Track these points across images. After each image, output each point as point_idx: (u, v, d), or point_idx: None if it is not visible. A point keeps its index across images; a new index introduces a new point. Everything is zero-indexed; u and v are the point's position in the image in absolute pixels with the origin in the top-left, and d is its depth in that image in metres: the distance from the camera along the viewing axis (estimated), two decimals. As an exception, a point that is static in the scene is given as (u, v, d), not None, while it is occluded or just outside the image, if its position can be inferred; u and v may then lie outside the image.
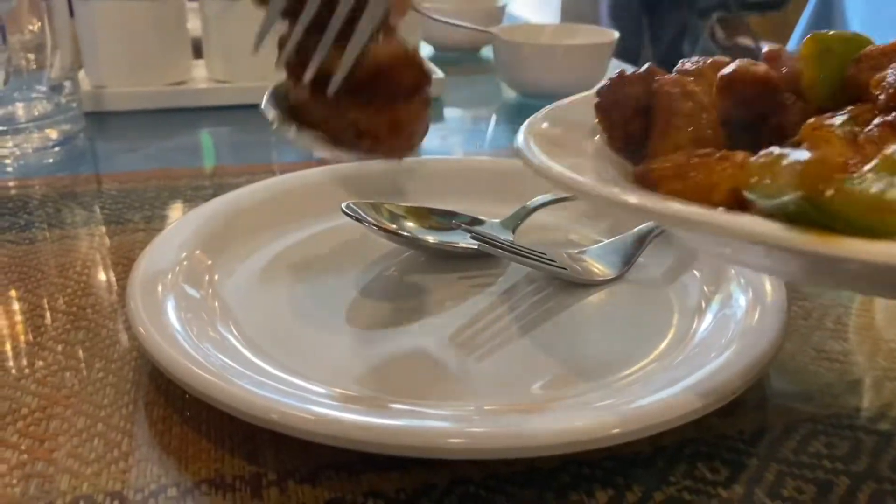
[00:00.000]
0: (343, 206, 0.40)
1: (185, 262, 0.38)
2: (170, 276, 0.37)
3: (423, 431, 0.27)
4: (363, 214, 0.40)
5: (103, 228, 0.49)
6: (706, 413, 0.28)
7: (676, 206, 0.23)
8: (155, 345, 0.31)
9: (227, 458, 0.29)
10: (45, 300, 0.40)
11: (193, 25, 0.78)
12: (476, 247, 0.38)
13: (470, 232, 0.37)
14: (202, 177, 0.58)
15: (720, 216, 0.21)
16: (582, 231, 0.46)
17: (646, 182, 0.27)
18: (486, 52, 1.05)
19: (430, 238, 0.41)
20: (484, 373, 0.33)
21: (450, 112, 0.78)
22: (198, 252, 0.39)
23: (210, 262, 0.39)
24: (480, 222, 0.44)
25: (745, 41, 2.52)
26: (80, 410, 0.32)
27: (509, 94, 0.84)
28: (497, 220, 0.44)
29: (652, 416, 0.27)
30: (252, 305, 0.37)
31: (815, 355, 0.36)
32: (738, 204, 0.23)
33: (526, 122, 0.33)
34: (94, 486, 0.28)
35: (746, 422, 0.32)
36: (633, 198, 0.24)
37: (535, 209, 0.45)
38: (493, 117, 0.79)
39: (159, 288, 0.35)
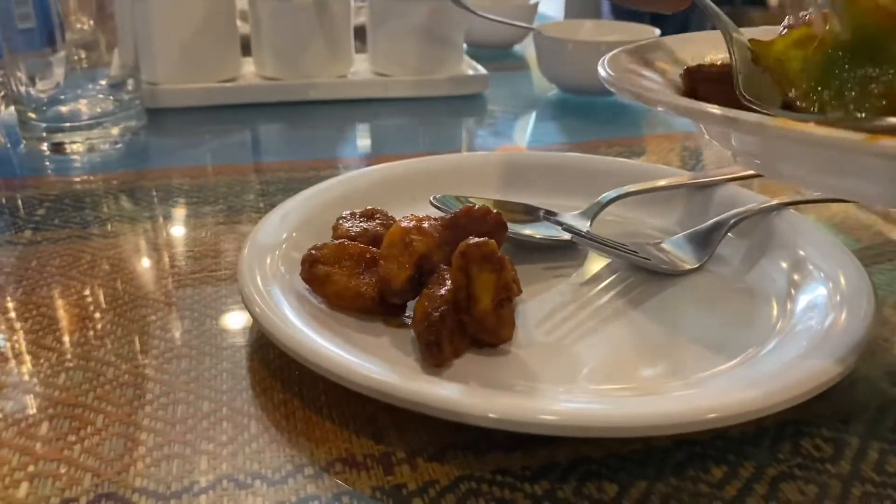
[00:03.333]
0: (431, 198, 0.42)
1: (286, 246, 0.39)
2: (277, 259, 0.38)
3: (548, 411, 0.28)
4: (451, 206, 0.42)
5: (184, 222, 0.50)
6: (814, 395, 0.30)
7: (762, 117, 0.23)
8: (273, 324, 0.33)
9: (353, 439, 0.31)
10: (143, 291, 0.42)
11: (240, 23, 0.79)
12: (566, 239, 0.39)
13: (561, 224, 0.39)
14: (269, 171, 0.59)
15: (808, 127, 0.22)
16: (654, 223, 0.47)
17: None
18: (519, 48, 1.07)
19: (524, 230, 0.42)
20: (585, 358, 0.34)
21: (493, 107, 0.79)
22: (294, 235, 0.41)
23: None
24: (555, 215, 0.45)
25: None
26: (202, 395, 0.33)
27: (547, 89, 0.85)
28: (574, 213, 0.45)
29: (772, 396, 0.29)
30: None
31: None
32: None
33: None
34: (233, 466, 0.29)
35: (840, 403, 0.33)
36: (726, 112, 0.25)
37: (610, 202, 0.46)
38: (534, 113, 0.80)
39: (267, 274, 0.37)
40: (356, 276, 0.37)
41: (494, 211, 0.38)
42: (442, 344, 0.32)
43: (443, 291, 0.33)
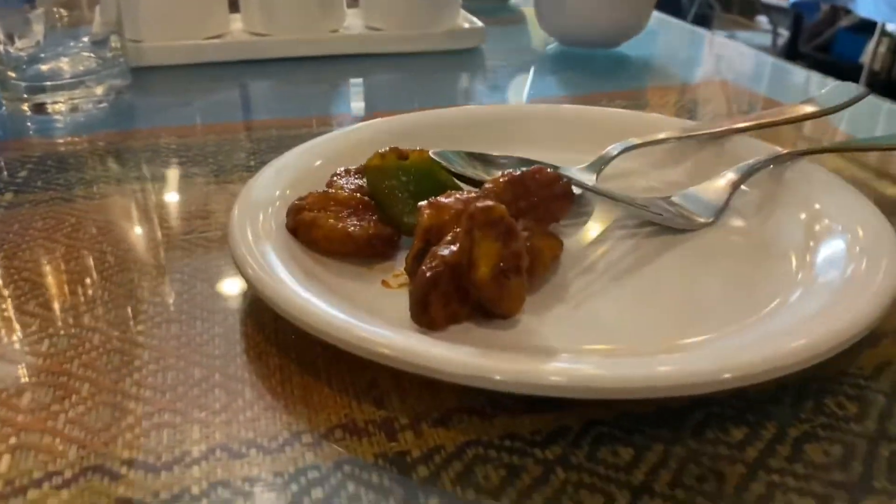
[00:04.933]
0: (432, 152, 0.40)
1: (279, 204, 0.38)
2: (269, 218, 0.36)
3: (558, 372, 0.26)
4: (452, 161, 0.40)
5: (172, 183, 0.48)
6: (838, 352, 0.28)
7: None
8: (266, 284, 0.31)
9: (354, 405, 0.29)
10: (130, 254, 0.40)
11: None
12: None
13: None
14: (260, 129, 0.57)
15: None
16: (663, 176, 0.45)
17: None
18: (516, 1, 1.04)
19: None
20: (595, 318, 0.32)
21: (490, 62, 0.77)
22: (288, 193, 0.39)
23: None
24: (558, 169, 0.43)
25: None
26: (193, 361, 0.32)
27: (546, 43, 0.82)
28: (579, 167, 0.43)
29: (793, 354, 0.27)
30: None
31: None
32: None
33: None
34: (226, 435, 0.28)
35: (863, 359, 0.32)
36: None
37: (616, 155, 0.44)
38: (533, 67, 0.77)
39: (259, 233, 0.35)
40: (343, 220, 0.35)
41: (564, 179, 0.36)
42: (429, 304, 0.30)
43: (446, 252, 0.31)
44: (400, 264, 0.36)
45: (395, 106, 0.63)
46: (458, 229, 0.32)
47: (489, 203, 0.30)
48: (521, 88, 0.71)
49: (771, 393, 0.30)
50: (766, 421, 0.28)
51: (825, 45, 3.03)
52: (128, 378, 0.31)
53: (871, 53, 2.64)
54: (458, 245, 0.31)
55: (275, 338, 0.33)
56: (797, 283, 0.34)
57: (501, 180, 0.36)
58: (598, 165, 0.43)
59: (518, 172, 0.36)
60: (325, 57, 0.75)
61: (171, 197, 0.46)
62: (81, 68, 0.62)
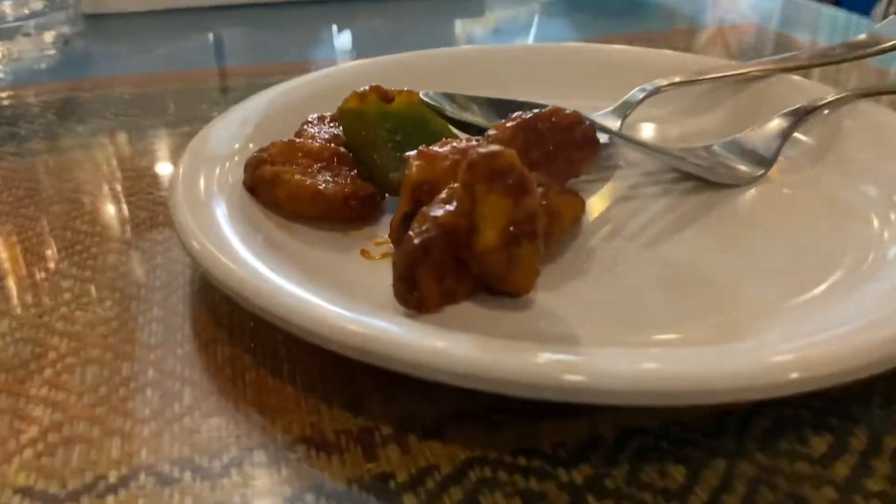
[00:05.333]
0: (422, 94, 0.33)
1: (236, 160, 0.31)
2: (226, 175, 0.30)
3: (582, 369, 0.20)
4: (448, 104, 0.33)
5: (121, 138, 0.41)
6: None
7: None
8: (214, 261, 0.24)
9: (323, 409, 0.23)
10: (61, 220, 0.33)
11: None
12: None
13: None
14: (229, 77, 0.50)
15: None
16: (698, 124, 0.38)
17: None
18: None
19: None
20: (628, 296, 0.26)
21: (491, 4, 0.70)
22: (251, 146, 0.32)
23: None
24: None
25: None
26: (121, 353, 0.25)
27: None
28: (600, 113, 0.36)
29: (884, 345, 0.21)
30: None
31: None
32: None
33: None
34: (155, 453, 0.21)
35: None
36: None
37: (643, 100, 0.37)
38: (539, 8, 0.70)
39: (212, 194, 0.28)
40: (313, 175, 0.29)
41: (587, 122, 0.29)
42: (418, 280, 0.23)
43: (440, 212, 0.24)
44: (383, 230, 0.29)
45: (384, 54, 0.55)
46: (455, 184, 0.25)
47: (494, 148, 0.23)
48: (526, 33, 0.64)
49: (857, 392, 0.23)
50: (855, 427, 0.22)
51: None
52: (36, 376, 0.24)
53: (880, 15, 2.56)
54: (455, 204, 0.24)
55: (227, 322, 0.26)
56: (875, 249, 0.27)
57: (509, 125, 0.29)
58: (622, 112, 0.36)
59: (529, 114, 0.29)
60: (305, 1, 0.67)
61: (117, 152, 0.40)
62: (26, 11, 0.54)
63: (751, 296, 0.26)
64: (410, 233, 0.24)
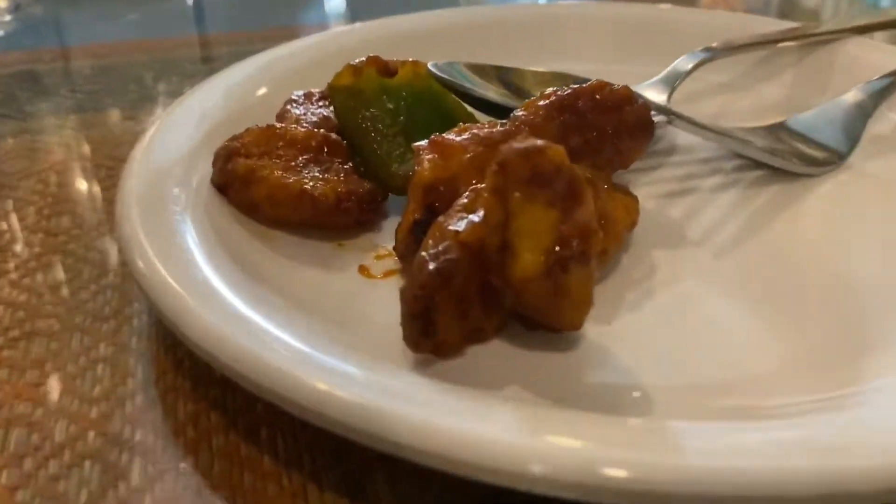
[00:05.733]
0: (430, 66, 0.27)
1: (203, 152, 0.25)
2: (183, 177, 0.24)
3: (656, 466, 0.14)
4: (460, 77, 0.27)
5: (77, 118, 0.35)
6: None
7: None
8: (166, 293, 0.19)
9: (311, 491, 0.17)
10: (8, 217, 0.27)
11: None
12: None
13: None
14: (204, 46, 0.43)
15: None
16: (758, 98, 0.32)
17: None
18: None
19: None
20: (704, 331, 0.20)
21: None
22: (221, 134, 0.26)
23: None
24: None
25: None
26: (55, 409, 0.20)
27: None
28: (644, 84, 0.30)
29: None
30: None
31: None
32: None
33: None
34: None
35: None
36: None
37: (694, 69, 0.31)
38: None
39: (169, 197, 0.22)
40: (297, 170, 0.23)
41: (640, 100, 0.23)
42: (434, 319, 0.18)
43: (461, 225, 0.18)
44: (386, 238, 0.23)
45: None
46: (479, 185, 0.20)
47: (536, 143, 0.17)
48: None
49: None
50: None
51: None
52: (-58, 444, 0.19)
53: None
54: (482, 214, 0.18)
55: (191, 366, 0.20)
56: None
57: (542, 104, 0.23)
58: (669, 83, 0.31)
59: (567, 91, 0.23)
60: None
61: (72, 138, 0.34)
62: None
63: (877, 327, 0.20)
64: (424, 254, 0.18)
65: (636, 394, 0.18)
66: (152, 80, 0.39)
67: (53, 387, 0.20)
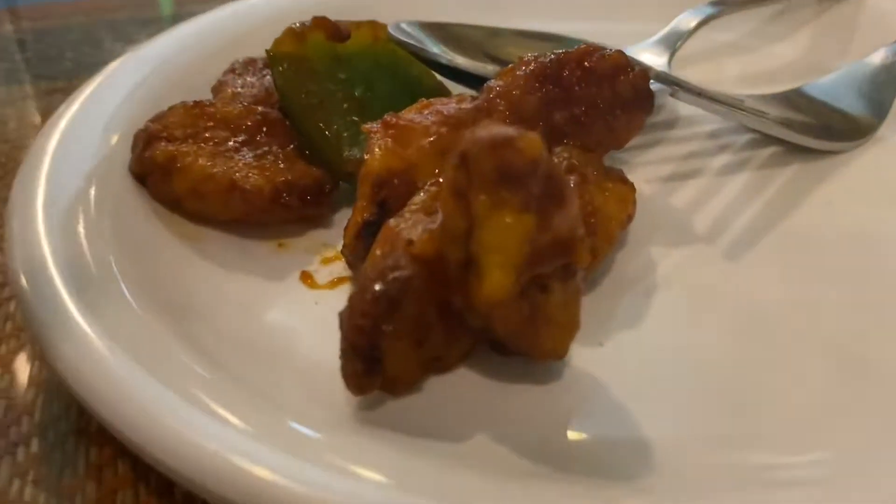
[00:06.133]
0: (391, 28, 0.23)
1: (119, 135, 0.21)
2: (94, 166, 0.20)
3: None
4: (425, 42, 0.23)
5: (27, 89, 0.31)
6: None
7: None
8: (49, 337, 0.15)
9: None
10: None
11: None
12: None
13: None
14: (152, 6, 0.39)
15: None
16: (769, 60, 0.29)
17: None
18: None
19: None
20: (715, 359, 0.17)
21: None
22: (147, 107, 0.22)
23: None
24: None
25: None
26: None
27: None
28: (641, 45, 0.26)
29: None
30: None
31: None
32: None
33: None
34: None
35: None
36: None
37: (697, 28, 0.27)
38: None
39: (74, 190, 0.19)
40: (227, 155, 0.19)
41: (636, 67, 0.20)
42: (379, 353, 0.14)
43: (416, 232, 0.15)
44: (335, 236, 0.20)
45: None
46: (439, 177, 0.16)
47: (504, 131, 0.13)
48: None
49: None
50: None
51: None
52: None
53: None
54: (439, 220, 0.15)
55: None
56: None
57: (520, 72, 0.19)
58: (670, 43, 0.27)
59: (551, 56, 0.19)
60: None
61: (19, 110, 0.30)
62: None
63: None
64: (368, 270, 0.15)
65: (631, 448, 0.14)
66: (92, 45, 0.35)
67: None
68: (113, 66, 0.25)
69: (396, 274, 0.14)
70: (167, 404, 0.13)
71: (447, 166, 0.14)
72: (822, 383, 0.16)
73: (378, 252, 0.15)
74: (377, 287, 0.14)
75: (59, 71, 0.33)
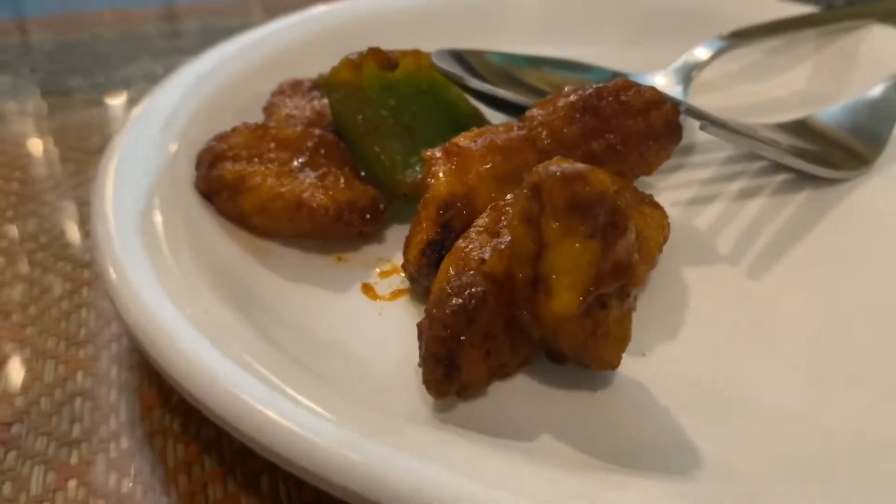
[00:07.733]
0: (434, 55, 0.24)
1: (184, 155, 0.23)
2: (158, 191, 0.21)
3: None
4: (463, 71, 0.25)
5: (38, 103, 0.32)
6: None
7: None
8: (142, 322, 0.17)
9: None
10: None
11: None
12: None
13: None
14: (177, 18, 0.40)
15: None
16: (778, 88, 0.30)
17: None
18: None
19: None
20: (708, 366, 0.19)
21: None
22: (199, 131, 0.24)
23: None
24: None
25: None
26: (30, 452, 0.17)
27: None
28: (657, 73, 0.28)
29: None
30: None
31: None
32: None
33: None
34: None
35: None
36: None
37: (712, 59, 0.29)
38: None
39: (147, 214, 0.20)
40: (292, 175, 0.21)
41: (668, 103, 0.21)
42: (459, 361, 0.16)
43: (486, 252, 0.17)
44: (390, 250, 0.21)
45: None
46: (504, 205, 0.18)
47: (577, 167, 0.15)
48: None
49: None
50: None
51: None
52: None
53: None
54: (508, 242, 0.16)
55: (181, 405, 0.18)
56: None
57: (561, 103, 0.21)
58: (686, 71, 0.29)
59: (590, 90, 0.21)
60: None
61: (33, 127, 0.31)
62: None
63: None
64: (446, 286, 0.16)
65: (671, 447, 0.16)
66: (118, 56, 0.36)
67: (33, 423, 0.18)
68: (160, 85, 0.26)
69: (473, 290, 0.16)
70: (279, 405, 0.15)
71: (518, 195, 0.16)
72: (853, 398, 0.17)
73: (451, 270, 0.17)
74: (456, 301, 0.16)
75: (90, 85, 0.34)
